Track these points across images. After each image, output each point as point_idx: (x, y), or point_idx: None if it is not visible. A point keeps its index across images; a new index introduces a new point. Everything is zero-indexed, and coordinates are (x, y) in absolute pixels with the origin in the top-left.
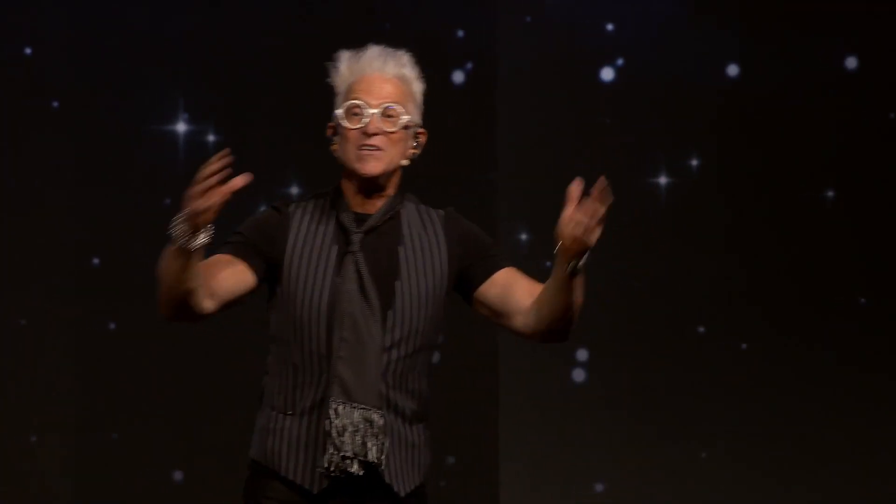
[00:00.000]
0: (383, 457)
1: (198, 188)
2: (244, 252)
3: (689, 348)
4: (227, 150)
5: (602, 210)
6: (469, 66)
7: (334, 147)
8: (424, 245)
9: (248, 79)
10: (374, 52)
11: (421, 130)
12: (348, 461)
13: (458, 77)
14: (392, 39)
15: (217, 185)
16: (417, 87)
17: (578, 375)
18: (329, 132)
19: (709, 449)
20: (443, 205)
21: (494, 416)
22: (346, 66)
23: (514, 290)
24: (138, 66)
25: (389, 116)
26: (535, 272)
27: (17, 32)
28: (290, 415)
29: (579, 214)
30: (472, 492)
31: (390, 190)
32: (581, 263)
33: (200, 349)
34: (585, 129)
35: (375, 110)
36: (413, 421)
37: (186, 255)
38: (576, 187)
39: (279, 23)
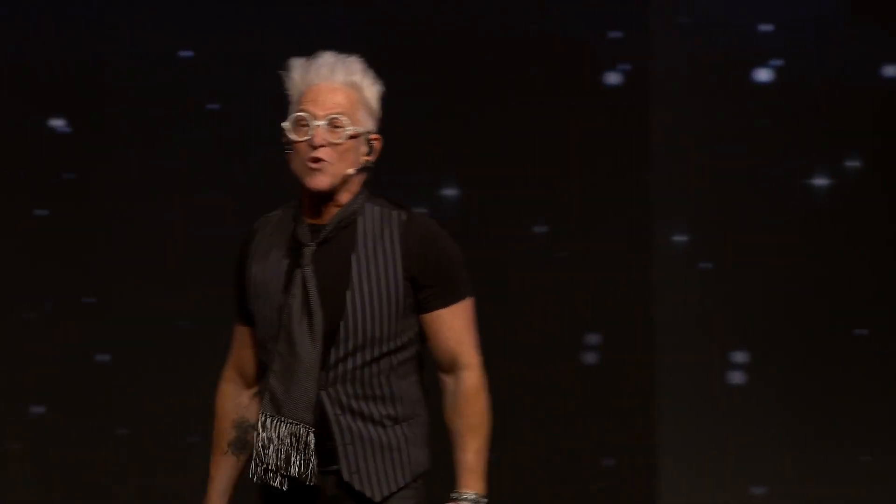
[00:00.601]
0: (309, 473)
1: None
2: (245, 313)
3: (850, 351)
4: None
5: None
6: (624, 67)
7: (289, 157)
8: (378, 251)
9: (397, 80)
10: (323, 60)
11: (375, 136)
12: (270, 474)
13: (612, 78)
14: (546, 41)
15: None
16: (371, 93)
17: (738, 377)
18: (285, 140)
19: (870, 453)
20: (595, 206)
21: (652, 418)
22: (298, 75)
23: (440, 340)
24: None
25: (336, 127)
26: (691, 274)
27: (177, 36)
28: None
29: None
30: (631, 494)
31: (344, 198)
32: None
33: None
34: (741, 130)
35: (321, 122)
36: (389, 423)
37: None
38: None
39: (426, 25)
